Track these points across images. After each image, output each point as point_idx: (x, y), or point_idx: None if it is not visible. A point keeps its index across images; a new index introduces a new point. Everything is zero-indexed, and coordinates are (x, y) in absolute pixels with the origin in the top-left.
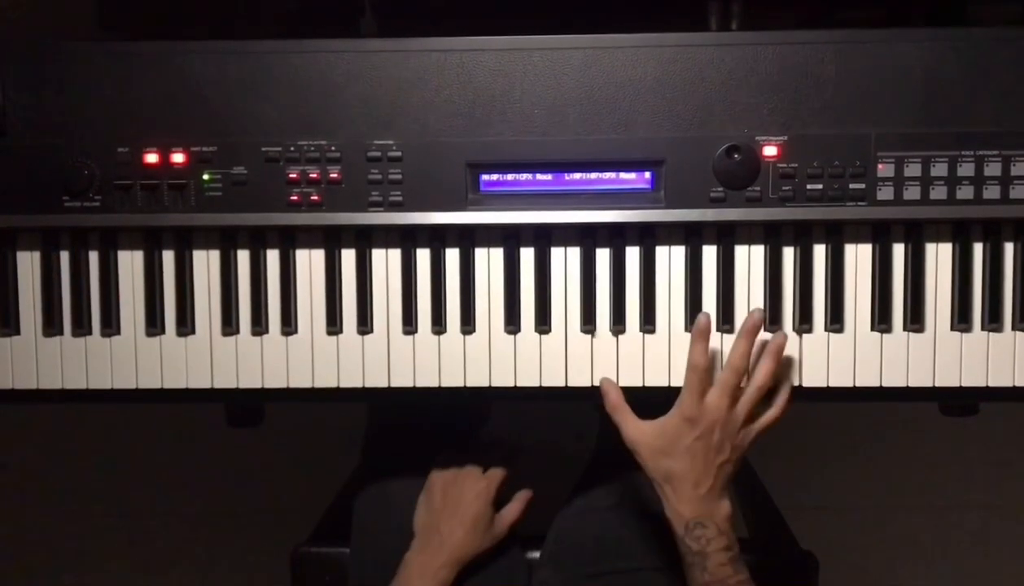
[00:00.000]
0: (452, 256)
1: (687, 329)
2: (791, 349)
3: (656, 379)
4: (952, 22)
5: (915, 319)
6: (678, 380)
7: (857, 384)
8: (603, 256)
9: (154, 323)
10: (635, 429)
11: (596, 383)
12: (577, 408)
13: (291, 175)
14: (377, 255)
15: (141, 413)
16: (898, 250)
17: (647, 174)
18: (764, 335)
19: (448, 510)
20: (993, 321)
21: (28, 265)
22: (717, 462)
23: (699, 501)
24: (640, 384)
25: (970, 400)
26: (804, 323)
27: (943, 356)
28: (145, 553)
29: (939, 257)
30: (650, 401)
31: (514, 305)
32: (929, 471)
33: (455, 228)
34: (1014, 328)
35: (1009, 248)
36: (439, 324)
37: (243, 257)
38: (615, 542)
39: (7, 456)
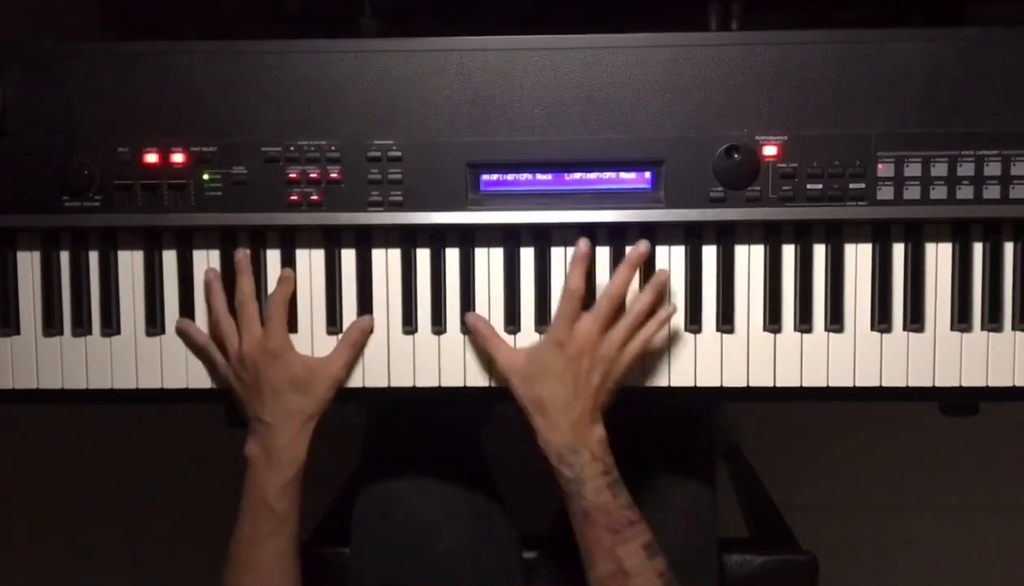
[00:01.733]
0: (452, 256)
1: (687, 329)
2: (791, 349)
3: (656, 379)
4: (952, 22)
5: (915, 319)
6: (678, 380)
7: (857, 384)
8: (603, 256)
9: (154, 323)
10: (507, 356)
11: None
12: None
13: (291, 175)
14: (377, 255)
15: (141, 413)
16: (898, 250)
17: (647, 174)
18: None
19: (251, 394)
20: (993, 321)
21: (28, 265)
22: (588, 388)
23: (570, 427)
24: (640, 384)
25: (970, 400)
26: (804, 323)
27: (943, 356)
28: (145, 553)
29: (939, 257)
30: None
31: (514, 305)
32: (929, 471)
33: (455, 228)
34: (1014, 328)
35: (1009, 248)
36: (439, 324)
37: None
38: None
39: (7, 456)
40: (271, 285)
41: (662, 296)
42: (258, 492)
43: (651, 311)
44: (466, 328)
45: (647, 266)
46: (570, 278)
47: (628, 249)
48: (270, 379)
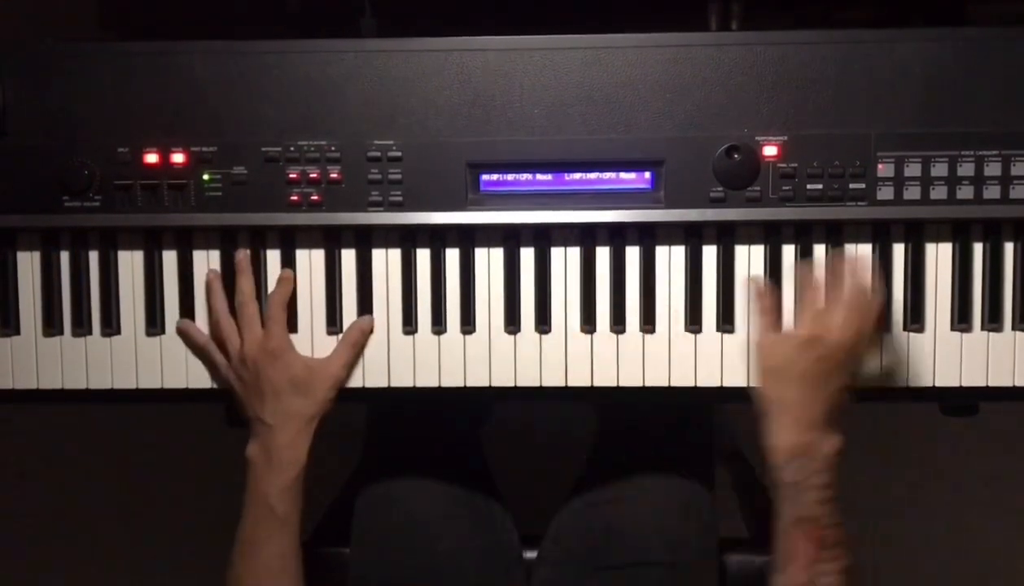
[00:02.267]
0: (452, 256)
1: (687, 329)
2: None
3: (656, 379)
4: (952, 22)
5: (915, 319)
6: (678, 380)
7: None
8: (603, 256)
9: (154, 323)
10: (766, 336)
11: (596, 383)
12: (577, 407)
13: (291, 175)
14: (377, 255)
15: (141, 413)
16: (898, 250)
17: (647, 174)
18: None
19: (252, 395)
20: (993, 321)
21: (28, 265)
22: (834, 391)
23: (807, 430)
24: (640, 384)
25: (970, 400)
26: None
27: (943, 356)
28: (144, 553)
29: (939, 257)
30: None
31: (514, 305)
32: (929, 471)
33: (455, 228)
34: (1014, 328)
35: (1009, 248)
36: (439, 324)
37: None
38: (615, 538)
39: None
40: (271, 285)
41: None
42: (259, 493)
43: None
44: (468, 329)
45: (647, 267)
46: (803, 273)
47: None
48: (270, 379)
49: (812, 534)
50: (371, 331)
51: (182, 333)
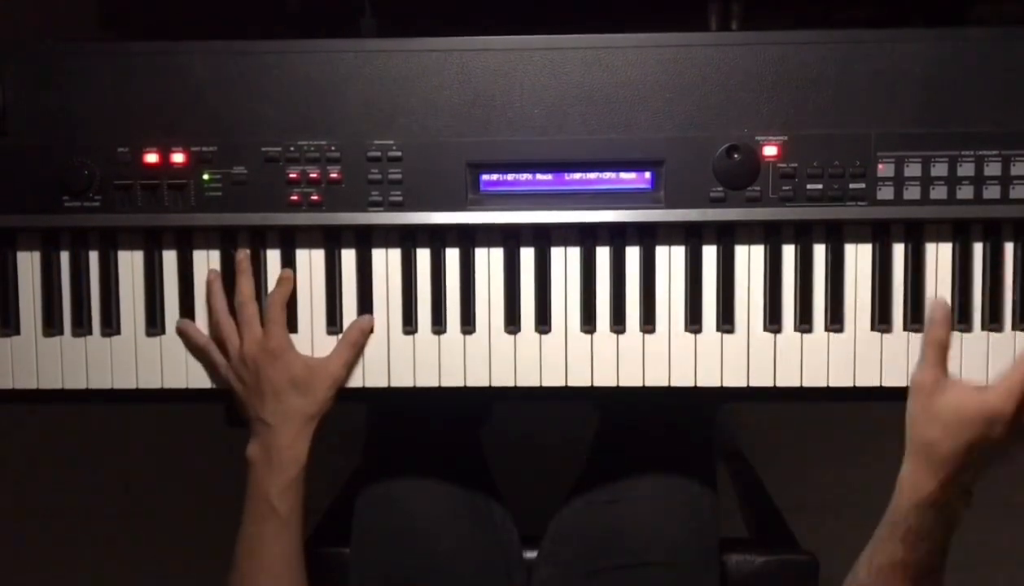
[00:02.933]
0: (452, 256)
1: (687, 329)
2: (791, 348)
3: (656, 379)
4: (952, 22)
5: (915, 319)
6: (678, 380)
7: (857, 384)
8: (603, 256)
9: (154, 323)
10: (933, 376)
11: (596, 383)
12: (576, 408)
13: (291, 175)
14: (377, 255)
15: (141, 413)
16: (898, 250)
17: (647, 174)
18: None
19: (252, 395)
20: (993, 321)
21: (28, 265)
22: (987, 463)
23: (947, 488)
24: (640, 384)
25: None
26: (804, 323)
27: None
28: (144, 553)
29: (939, 257)
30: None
31: (514, 305)
32: None
33: (455, 228)
34: (1014, 328)
35: (1009, 248)
36: (439, 324)
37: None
38: (615, 538)
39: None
40: (271, 285)
41: None
42: (260, 493)
43: None
44: (468, 329)
45: (647, 267)
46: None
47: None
48: (271, 379)
49: (910, 578)
50: (371, 330)
51: (182, 333)
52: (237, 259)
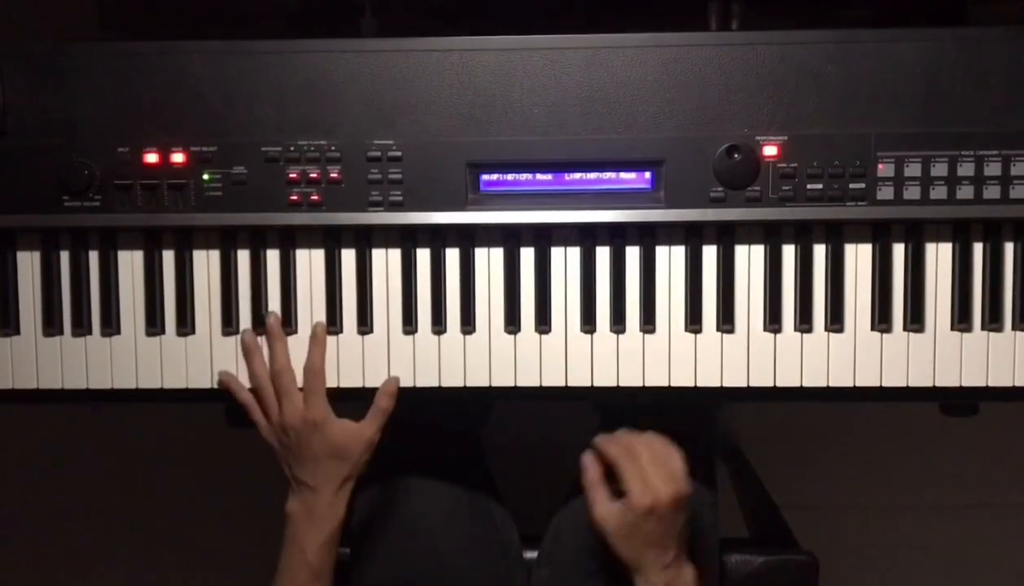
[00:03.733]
0: (452, 256)
1: (687, 329)
2: (791, 348)
3: (656, 379)
4: (952, 22)
5: (915, 319)
6: (678, 380)
7: (857, 384)
8: (603, 256)
9: (154, 323)
10: (604, 509)
11: (596, 383)
12: (576, 407)
13: (291, 175)
14: (377, 255)
15: (141, 413)
16: (898, 250)
17: (647, 174)
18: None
19: (292, 457)
20: (993, 321)
21: (28, 265)
22: (675, 534)
23: (667, 569)
24: (640, 384)
25: (970, 400)
26: (804, 323)
27: (943, 356)
28: (144, 553)
29: (939, 257)
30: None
31: (514, 305)
32: (929, 471)
33: (455, 228)
34: (1014, 328)
35: (1009, 248)
36: (439, 324)
37: (243, 257)
38: None
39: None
40: (271, 285)
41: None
42: (297, 548)
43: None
44: (468, 329)
45: (647, 267)
46: (618, 445)
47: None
48: (311, 447)
49: None
50: (397, 391)
51: (223, 386)
52: (268, 322)
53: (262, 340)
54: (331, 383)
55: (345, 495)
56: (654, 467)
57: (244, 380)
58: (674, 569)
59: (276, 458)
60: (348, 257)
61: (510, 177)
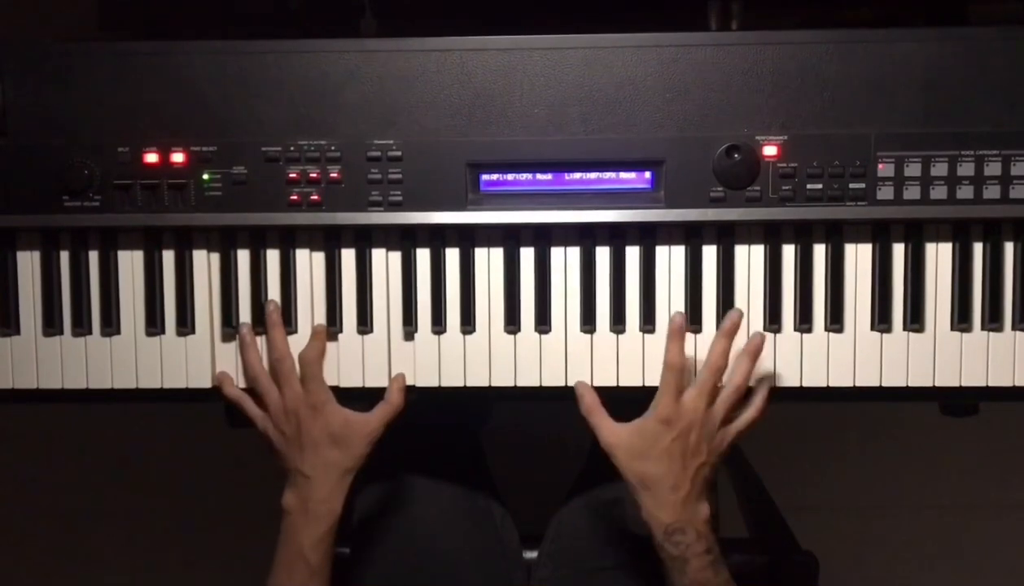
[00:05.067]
0: (452, 256)
1: (687, 329)
2: (791, 349)
3: (656, 379)
4: (952, 22)
5: (915, 319)
6: None
7: (857, 384)
8: (603, 256)
9: (154, 323)
10: (611, 432)
11: (596, 383)
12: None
13: (291, 175)
14: (377, 255)
15: (141, 413)
16: (898, 250)
17: (647, 174)
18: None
19: (292, 447)
20: (993, 321)
21: (28, 265)
22: (695, 464)
23: (678, 505)
24: (640, 384)
25: (970, 400)
26: (804, 323)
27: (943, 356)
28: (144, 553)
29: (939, 257)
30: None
31: (514, 305)
32: (929, 471)
33: (455, 228)
34: (1014, 328)
35: (1009, 248)
36: (439, 324)
37: (243, 257)
38: (614, 538)
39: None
40: (271, 285)
41: (756, 362)
42: (294, 543)
43: (750, 378)
44: (468, 329)
45: (647, 267)
46: (668, 353)
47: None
48: (310, 432)
49: None
50: (405, 386)
51: (216, 386)
52: (268, 311)
53: (261, 342)
54: (331, 382)
55: (343, 489)
56: (697, 388)
57: (242, 380)
58: (685, 498)
59: (274, 455)
60: (348, 257)
61: (510, 177)
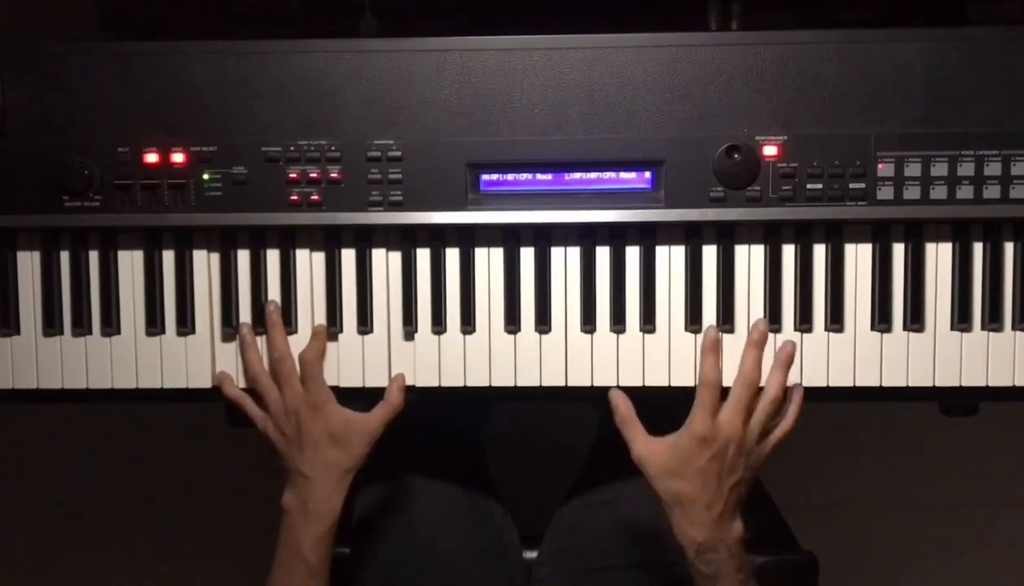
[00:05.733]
0: (452, 256)
1: (687, 329)
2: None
3: (656, 379)
4: (952, 22)
5: (915, 319)
6: (678, 380)
7: (857, 384)
8: (603, 256)
9: (154, 323)
10: (644, 446)
11: (596, 383)
12: (576, 407)
13: (291, 175)
14: (377, 255)
15: (141, 413)
16: (898, 250)
17: (647, 174)
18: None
19: (292, 447)
20: (993, 321)
21: (28, 265)
22: (730, 482)
23: (711, 524)
24: (640, 384)
25: (970, 400)
26: (804, 323)
27: (943, 356)
28: (144, 553)
29: (939, 257)
30: (649, 401)
31: (514, 305)
32: (929, 471)
33: (455, 228)
34: (1014, 328)
35: (1009, 248)
36: (439, 324)
37: (243, 257)
38: (614, 538)
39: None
40: (271, 285)
41: (788, 372)
42: (293, 543)
43: (783, 389)
44: (468, 329)
45: (647, 267)
46: (705, 368)
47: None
48: (310, 432)
49: None
50: (405, 386)
51: (217, 386)
52: (268, 311)
53: (261, 342)
54: (331, 382)
55: (343, 488)
56: (733, 405)
57: (242, 381)
58: (720, 516)
59: (274, 455)
60: (348, 257)
61: (510, 177)
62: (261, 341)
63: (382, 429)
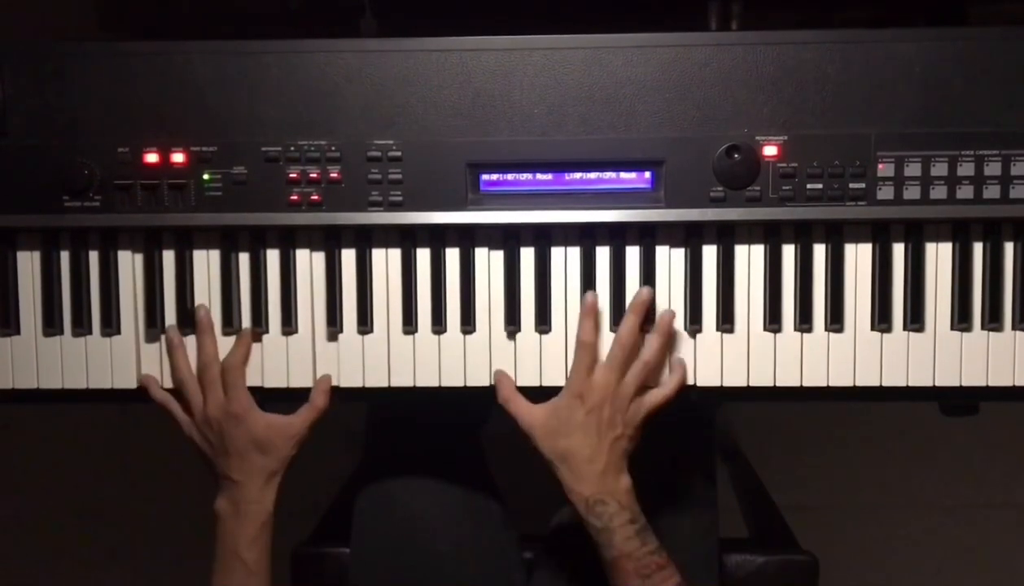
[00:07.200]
0: (452, 256)
1: (687, 329)
2: (791, 348)
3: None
4: (952, 22)
5: (915, 319)
6: None
7: (857, 384)
8: (603, 256)
9: (154, 323)
10: (528, 413)
11: None
12: None
13: (291, 175)
14: (377, 255)
15: (141, 413)
16: (898, 250)
17: (647, 174)
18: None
19: (218, 453)
20: (993, 321)
21: (28, 265)
22: (610, 437)
23: (596, 478)
24: None
25: (970, 400)
26: (804, 323)
27: (943, 356)
28: (144, 553)
29: (939, 257)
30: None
31: (514, 305)
32: (929, 471)
33: (455, 228)
34: (1014, 328)
35: (1009, 248)
36: (439, 324)
37: (243, 257)
38: None
39: (8, 456)
40: (271, 285)
41: (670, 338)
42: (229, 544)
43: (661, 354)
44: (468, 329)
45: (647, 267)
46: (581, 330)
47: (630, 297)
48: (234, 440)
49: (632, 568)
50: (331, 390)
51: (143, 388)
52: (198, 316)
53: (257, 345)
54: (332, 383)
55: (272, 489)
56: (608, 363)
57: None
58: (604, 470)
59: (201, 460)
60: (348, 257)
61: (510, 177)
62: (257, 345)
63: (307, 431)
